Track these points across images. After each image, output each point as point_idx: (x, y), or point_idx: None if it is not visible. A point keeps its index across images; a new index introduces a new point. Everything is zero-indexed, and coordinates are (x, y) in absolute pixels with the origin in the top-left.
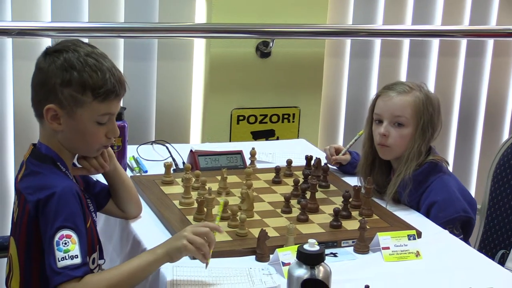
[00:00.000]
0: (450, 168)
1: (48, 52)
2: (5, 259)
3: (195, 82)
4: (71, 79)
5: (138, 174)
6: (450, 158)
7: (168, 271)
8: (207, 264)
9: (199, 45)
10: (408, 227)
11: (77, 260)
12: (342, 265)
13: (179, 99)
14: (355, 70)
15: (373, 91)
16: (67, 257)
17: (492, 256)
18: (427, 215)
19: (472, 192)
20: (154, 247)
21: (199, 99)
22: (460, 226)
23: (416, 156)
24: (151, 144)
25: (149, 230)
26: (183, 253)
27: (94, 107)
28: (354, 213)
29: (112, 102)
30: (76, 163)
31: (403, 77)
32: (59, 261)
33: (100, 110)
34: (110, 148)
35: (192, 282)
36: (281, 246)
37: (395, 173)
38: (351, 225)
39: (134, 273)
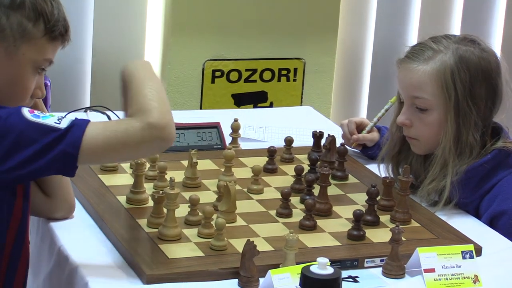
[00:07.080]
0: None
1: None
2: None
3: (150, 21)
4: (24, 1)
5: None
6: None
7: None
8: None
9: None
10: (463, 240)
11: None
12: None
13: (125, 47)
14: (387, 6)
15: (412, 37)
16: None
17: None
18: (492, 225)
19: None
20: None
21: (156, 47)
22: None
23: (464, 151)
24: (85, 111)
25: (81, 239)
26: None
27: (41, 45)
28: (384, 218)
29: (58, 45)
30: None
31: (457, 20)
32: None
33: (46, 51)
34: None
35: None
36: (277, 266)
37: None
38: (379, 235)
39: None
